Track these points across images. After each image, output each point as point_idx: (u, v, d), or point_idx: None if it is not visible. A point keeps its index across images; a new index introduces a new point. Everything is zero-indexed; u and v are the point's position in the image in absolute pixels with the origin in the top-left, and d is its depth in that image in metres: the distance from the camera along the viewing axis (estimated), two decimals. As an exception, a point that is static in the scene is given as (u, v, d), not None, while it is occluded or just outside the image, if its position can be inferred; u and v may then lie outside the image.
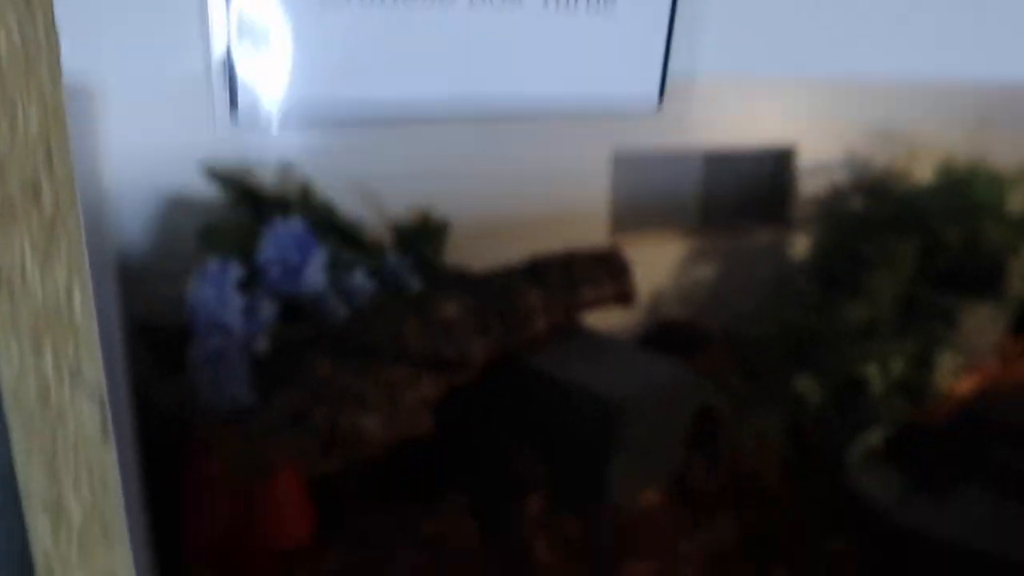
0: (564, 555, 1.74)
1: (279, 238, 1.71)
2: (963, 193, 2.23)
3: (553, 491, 1.92)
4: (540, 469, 1.97)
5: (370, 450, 1.73)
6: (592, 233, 2.44)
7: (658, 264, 2.62)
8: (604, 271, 2.16)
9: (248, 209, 1.92)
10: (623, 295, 2.20)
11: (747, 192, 2.70)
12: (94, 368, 0.47)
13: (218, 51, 1.91)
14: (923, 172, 2.52)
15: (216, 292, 1.62)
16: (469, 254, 2.20)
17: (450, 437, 2.12)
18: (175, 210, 1.95)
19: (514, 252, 2.24)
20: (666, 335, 2.51)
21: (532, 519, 1.84)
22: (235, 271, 1.65)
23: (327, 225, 1.87)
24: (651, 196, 2.54)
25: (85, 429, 0.48)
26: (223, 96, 1.84)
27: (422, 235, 2.08)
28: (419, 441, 2.05)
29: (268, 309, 1.70)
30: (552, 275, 2.10)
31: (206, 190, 1.97)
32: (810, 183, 2.66)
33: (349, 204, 2.11)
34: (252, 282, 1.79)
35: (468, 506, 1.90)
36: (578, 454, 1.92)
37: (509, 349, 2.01)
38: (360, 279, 1.84)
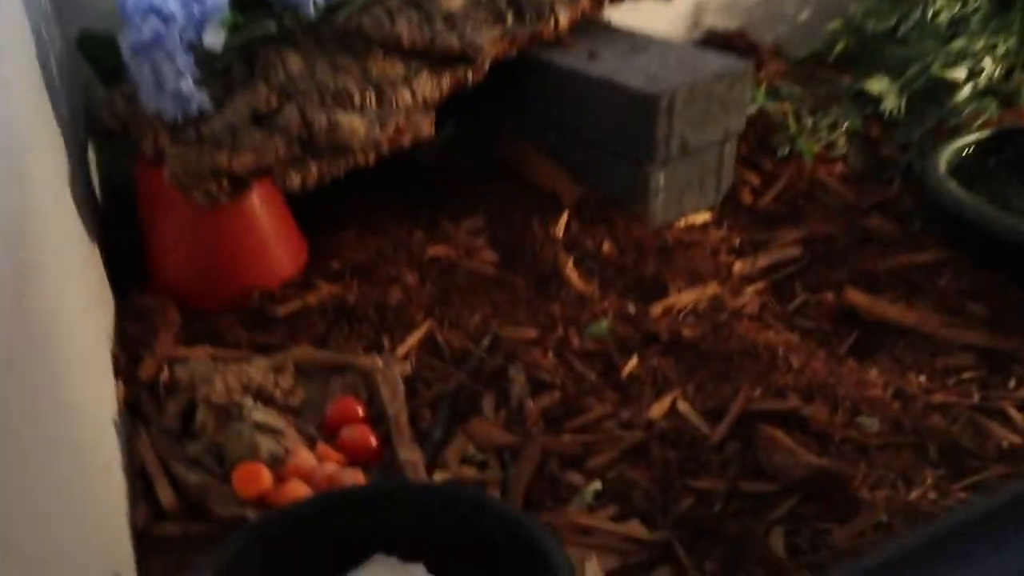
0: (598, 283, 1.48)
1: None
2: None
3: (585, 209, 1.63)
4: (569, 183, 1.68)
5: (359, 158, 1.43)
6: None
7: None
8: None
9: None
10: (662, -15, 1.82)
11: None
12: None
13: None
14: None
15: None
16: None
17: (460, 147, 1.83)
18: None
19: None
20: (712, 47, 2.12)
21: (558, 241, 1.57)
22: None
23: None
24: None
25: None
26: None
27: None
28: (422, 154, 1.76)
29: (216, -11, 1.36)
30: (575, -44, 1.71)
31: None
32: None
33: None
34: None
35: (485, 227, 1.63)
36: (613, 163, 1.61)
37: (528, 44, 1.67)
38: (335, -44, 1.47)
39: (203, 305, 1.46)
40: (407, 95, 1.48)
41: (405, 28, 1.49)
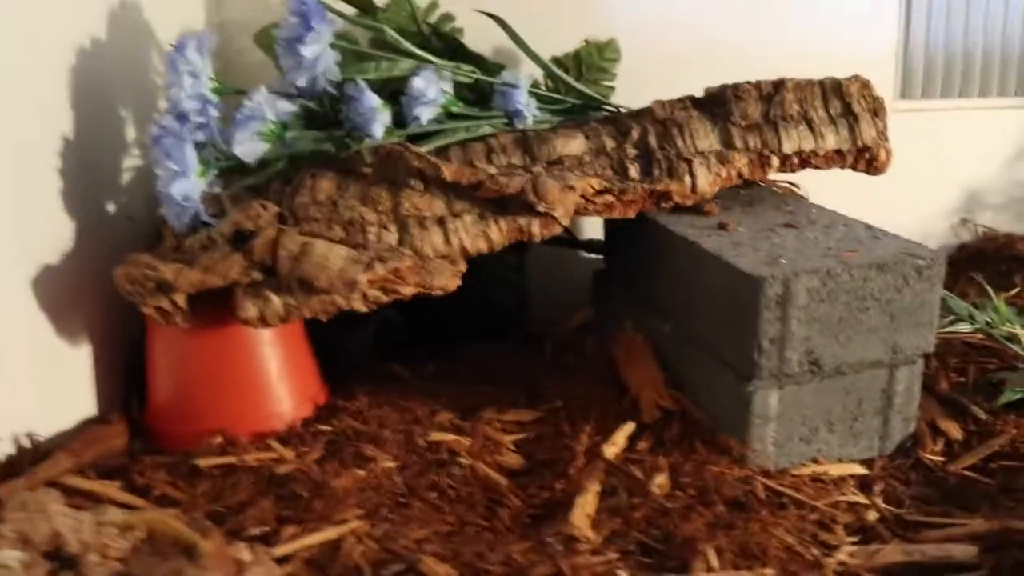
0: (611, 531, 1.02)
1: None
2: None
3: (668, 429, 1.18)
4: (660, 392, 1.25)
5: (338, 300, 1.16)
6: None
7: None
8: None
9: None
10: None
11: None
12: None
13: None
14: None
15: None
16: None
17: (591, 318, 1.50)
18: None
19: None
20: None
21: (601, 462, 1.14)
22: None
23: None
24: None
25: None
26: None
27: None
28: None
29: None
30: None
31: None
32: None
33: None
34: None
35: (530, 426, 1.24)
36: (718, 371, 1.12)
37: (653, 206, 1.31)
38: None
39: (168, 439, 1.26)
40: (438, 238, 1.19)
41: (455, 163, 1.22)
